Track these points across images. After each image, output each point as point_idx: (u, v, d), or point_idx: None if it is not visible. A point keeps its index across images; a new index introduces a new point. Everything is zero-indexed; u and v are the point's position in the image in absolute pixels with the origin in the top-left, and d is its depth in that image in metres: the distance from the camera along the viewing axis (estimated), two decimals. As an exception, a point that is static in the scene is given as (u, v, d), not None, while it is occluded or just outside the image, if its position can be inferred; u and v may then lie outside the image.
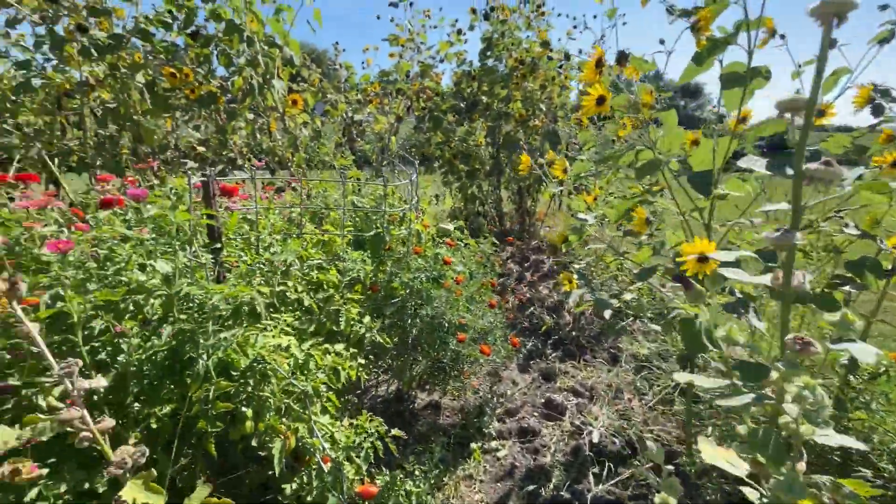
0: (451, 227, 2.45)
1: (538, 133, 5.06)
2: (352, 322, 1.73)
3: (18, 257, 1.34)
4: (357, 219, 2.59)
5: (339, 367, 1.61)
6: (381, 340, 1.81)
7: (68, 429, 0.61)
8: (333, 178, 3.48)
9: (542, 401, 2.45)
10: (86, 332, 1.19)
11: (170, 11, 3.64)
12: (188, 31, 3.54)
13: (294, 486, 1.42)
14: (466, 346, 2.02)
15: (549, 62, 5.09)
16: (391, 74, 5.50)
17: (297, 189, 2.96)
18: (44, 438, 0.70)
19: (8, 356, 1.14)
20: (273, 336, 1.39)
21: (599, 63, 1.47)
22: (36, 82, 3.62)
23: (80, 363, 0.87)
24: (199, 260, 1.40)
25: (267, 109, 4.43)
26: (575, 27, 5.63)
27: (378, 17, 5.58)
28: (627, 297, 2.03)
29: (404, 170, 2.99)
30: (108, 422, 0.66)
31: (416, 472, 1.61)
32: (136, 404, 1.30)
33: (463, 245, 2.39)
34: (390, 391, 2.51)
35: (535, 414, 2.36)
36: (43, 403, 1.09)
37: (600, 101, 1.48)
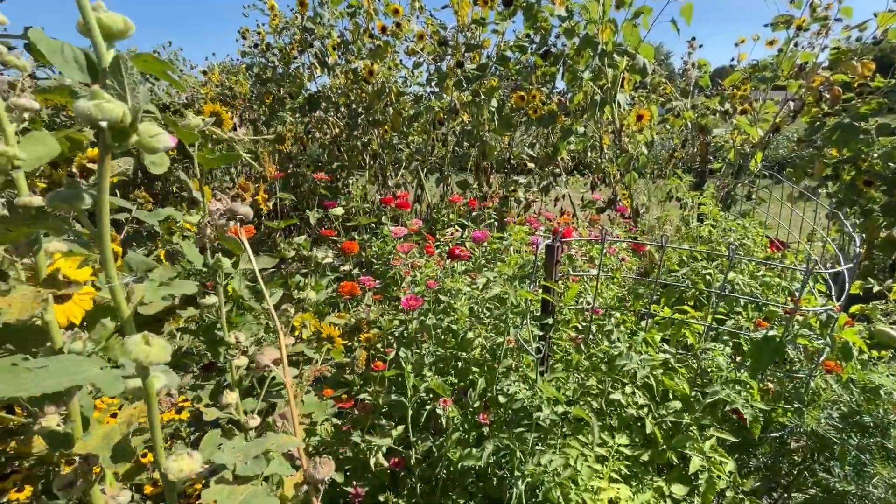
0: (900, 333, 1.43)
1: None
2: (704, 467, 1.16)
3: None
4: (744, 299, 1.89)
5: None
6: (751, 509, 1.16)
7: None
8: (649, 201, 2.84)
9: None
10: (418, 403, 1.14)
11: (527, 35, 3.76)
12: (540, 51, 3.57)
13: None
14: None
15: None
16: (767, 69, 4.16)
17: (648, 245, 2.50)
18: None
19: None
20: (603, 476, 1.01)
21: None
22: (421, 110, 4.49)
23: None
24: (524, 340, 1.16)
25: (604, 124, 4.12)
26: None
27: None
28: None
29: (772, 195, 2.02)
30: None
31: None
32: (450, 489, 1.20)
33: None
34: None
35: None
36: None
37: None
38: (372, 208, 4.44)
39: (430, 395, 1.24)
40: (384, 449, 1.19)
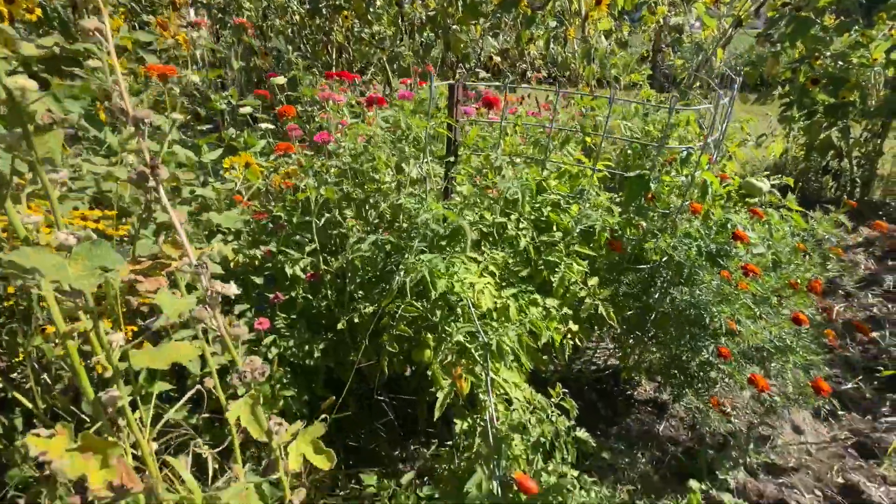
0: (765, 184, 1.63)
1: None
2: (570, 281, 1.40)
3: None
4: (629, 152, 2.05)
5: (541, 328, 1.34)
6: (605, 314, 1.42)
7: (201, 324, 0.58)
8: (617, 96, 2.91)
9: (840, 481, 1.58)
10: (323, 221, 1.31)
11: None
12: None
13: (464, 425, 1.33)
14: (730, 364, 1.39)
15: None
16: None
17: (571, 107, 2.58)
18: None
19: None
20: (473, 272, 1.23)
21: None
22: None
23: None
24: (424, 170, 1.32)
25: (571, 16, 3.98)
26: None
27: None
28: None
29: (717, 89, 2.12)
30: (241, 329, 0.62)
31: (597, 493, 1.27)
32: (358, 292, 1.42)
33: (778, 217, 1.57)
34: (607, 364, 2.12)
35: (818, 493, 1.55)
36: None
37: None
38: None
39: (337, 224, 1.42)
40: (301, 265, 1.39)
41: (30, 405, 1.13)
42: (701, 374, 1.55)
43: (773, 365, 1.39)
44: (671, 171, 1.49)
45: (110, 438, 0.59)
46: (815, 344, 1.46)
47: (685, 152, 1.38)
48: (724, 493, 1.52)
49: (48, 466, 0.53)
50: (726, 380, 1.46)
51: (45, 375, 1.23)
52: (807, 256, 1.54)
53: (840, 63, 3.50)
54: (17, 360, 1.25)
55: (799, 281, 1.44)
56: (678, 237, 1.48)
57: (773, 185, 1.91)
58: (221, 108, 1.72)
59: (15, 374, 1.32)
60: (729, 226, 1.46)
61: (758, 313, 1.39)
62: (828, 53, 3.55)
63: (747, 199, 1.67)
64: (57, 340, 1.17)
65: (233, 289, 0.60)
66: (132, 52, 1.57)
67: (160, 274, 0.85)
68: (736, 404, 1.89)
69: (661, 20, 4.00)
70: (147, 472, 0.84)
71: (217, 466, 1.22)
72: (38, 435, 0.55)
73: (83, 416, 1.26)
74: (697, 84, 3.77)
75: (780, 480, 1.58)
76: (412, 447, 1.68)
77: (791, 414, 1.86)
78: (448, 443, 1.61)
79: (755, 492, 1.54)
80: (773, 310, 1.42)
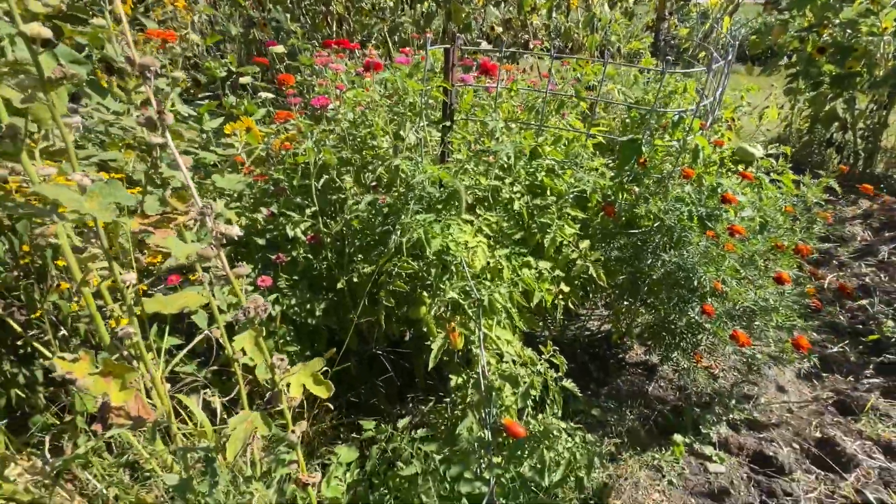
0: (758, 150, 1.65)
1: None
2: (561, 242, 1.44)
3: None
4: (628, 120, 2.06)
5: (533, 287, 1.40)
6: (595, 274, 1.47)
7: (204, 264, 0.64)
8: (617, 71, 2.87)
9: (817, 435, 1.65)
10: (322, 183, 1.35)
11: None
12: None
13: (458, 381, 1.40)
14: (714, 323, 1.45)
15: None
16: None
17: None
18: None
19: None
20: (467, 233, 1.27)
21: None
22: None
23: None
24: (420, 135, 1.35)
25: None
26: None
27: None
28: None
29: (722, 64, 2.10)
30: (244, 269, 0.67)
31: (581, 437, 1.34)
32: (358, 255, 1.48)
33: (768, 181, 1.60)
34: (601, 329, 2.19)
35: (795, 446, 1.62)
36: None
37: None
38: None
39: (337, 189, 1.46)
40: (302, 227, 1.44)
41: (47, 353, 1.21)
42: (687, 334, 1.61)
43: (756, 324, 1.44)
44: (664, 135, 1.51)
45: (148, 372, 0.65)
46: (799, 305, 1.51)
47: (677, 115, 1.40)
48: (706, 446, 1.60)
49: (73, 385, 0.59)
50: (712, 338, 1.52)
51: (62, 330, 1.30)
52: (796, 221, 1.57)
53: (849, 31, 3.43)
54: (34, 315, 1.33)
55: (786, 244, 1.48)
56: (669, 201, 1.51)
57: (769, 154, 1.92)
58: (221, 75, 1.74)
59: (34, 330, 1.39)
60: (720, 190, 1.49)
61: (743, 275, 1.43)
62: (836, 21, 3.48)
63: (741, 166, 1.69)
64: (73, 288, 1.23)
65: (236, 230, 0.65)
66: (131, 17, 1.59)
67: (168, 227, 0.91)
68: (722, 365, 1.96)
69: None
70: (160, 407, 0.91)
71: (225, 414, 1.30)
72: (62, 358, 0.61)
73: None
74: (703, 54, 3.72)
75: (761, 435, 1.66)
76: (409, 404, 1.76)
77: (776, 376, 1.93)
78: (445, 399, 1.69)
79: (736, 445, 1.61)
80: (758, 272, 1.47)
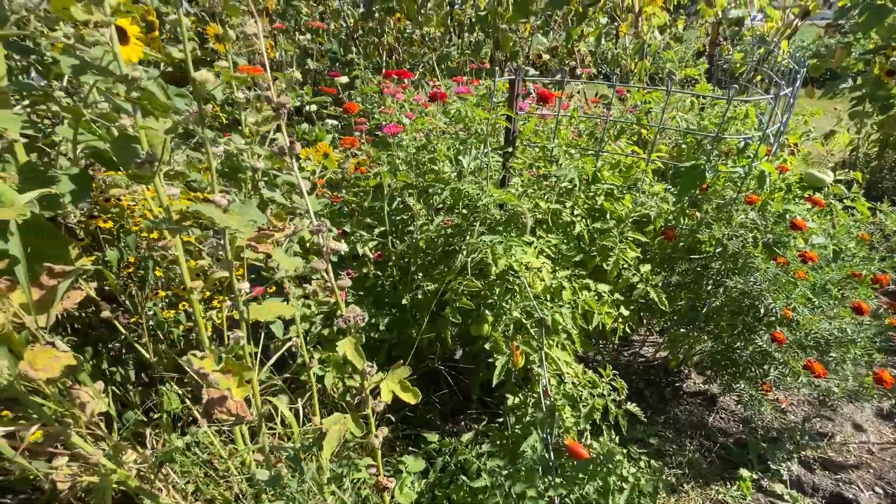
0: (828, 176, 1.61)
1: None
2: (622, 266, 1.45)
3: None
4: (683, 145, 2.06)
5: (593, 311, 1.41)
6: (657, 299, 1.47)
7: (315, 276, 0.71)
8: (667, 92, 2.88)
9: (905, 481, 1.53)
10: (392, 206, 1.44)
11: None
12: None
13: (515, 400, 1.42)
14: (784, 352, 1.40)
15: None
16: (816, -54, 3.79)
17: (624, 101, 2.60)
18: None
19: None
20: (529, 254, 1.32)
21: None
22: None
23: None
24: (484, 160, 1.41)
25: (623, 12, 3.95)
26: None
27: None
28: None
29: (778, 80, 2.07)
30: (346, 281, 0.74)
31: (646, 462, 1.32)
32: (419, 273, 1.55)
33: (841, 208, 1.55)
34: (657, 356, 2.14)
35: (879, 490, 1.51)
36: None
37: None
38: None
39: (405, 210, 1.55)
40: (370, 245, 1.53)
41: (147, 356, 1.33)
42: (753, 364, 1.55)
43: (831, 356, 1.38)
44: (727, 161, 1.51)
45: (245, 363, 0.73)
46: (880, 338, 1.44)
47: (743, 142, 1.39)
48: (776, 483, 1.52)
49: (204, 379, 0.68)
50: (781, 368, 1.46)
51: (159, 333, 1.43)
52: (873, 249, 1.51)
53: (921, 53, 3.27)
54: (132, 319, 1.47)
55: (863, 273, 1.42)
56: (733, 227, 1.49)
57: (839, 180, 1.86)
58: (296, 105, 1.90)
59: (129, 333, 1.54)
60: (787, 216, 1.46)
61: (816, 303, 1.39)
62: (907, 41, 3.33)
63: (810, 192, 1.64)
64: (183, 305, 1.36)
65: (344, 246, 0.73)
66: (224, 54, 1.78)
67: (267, 242, 1.01)
68: (791, 399, 1.86)
69: (720, 12, 3.88)
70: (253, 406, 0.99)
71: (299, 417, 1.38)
72: (194, 355, 0.70)
73: (185, 367, 1.46)
74: (759, 78, 3.64)
75: (838, 476, 1.56)
76: (462, 421, 1.79)
77: (853, 413, 1.81)
78: (499, 420, 1.70)
79: (810, 485, 1.52)
80: (833, 301, 1.41)
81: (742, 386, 1.63)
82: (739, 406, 1.85)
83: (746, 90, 3.49)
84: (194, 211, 0.62)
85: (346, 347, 0.73)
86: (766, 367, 1.56)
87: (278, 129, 0.68)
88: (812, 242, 1.42)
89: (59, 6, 0.85)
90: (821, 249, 1.48)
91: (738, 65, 3.59)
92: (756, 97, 1.63)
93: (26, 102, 1.07)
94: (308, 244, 1.57)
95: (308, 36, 4.78)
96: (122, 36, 0.86)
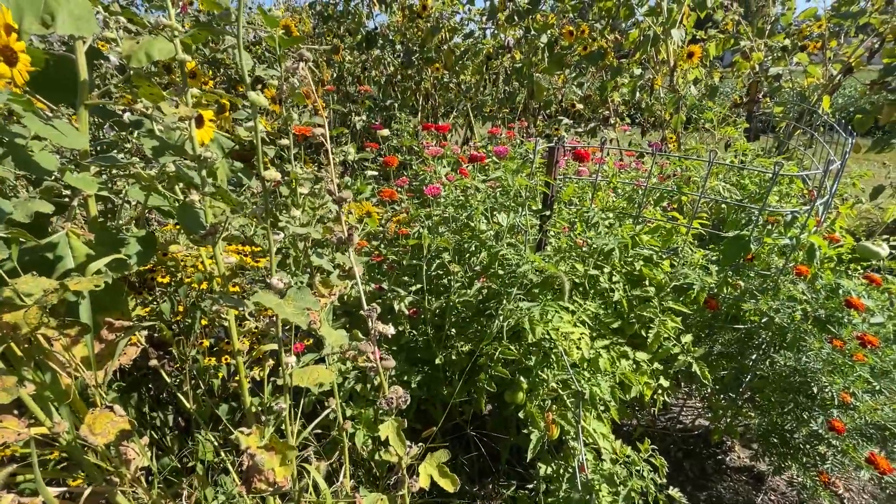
0: (883, 249, 1.54)
1: None
2: (663, 337, 1.41)
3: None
4: (724, 205, 2.03)
5: (632, 381, 1.37)
6: (699, 372, 1.41)
7: (362, 358, 0.73)
8: (709, 148, 2.86)
9: None
10: (434, 264, 1.47)
11: (586, -33, 3.70)
12: (597, -16, 3.52)
13: (548, 470, 1.37)
14: (844, 441, 1.31)
15: None
16: (856, 3, 3.78)
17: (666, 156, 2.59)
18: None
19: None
20: (567, 322, 1.30)
21: None
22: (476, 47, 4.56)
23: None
24: (524, 225, 1.43)
25: (657, 64, 4.01)
26: None
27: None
28: None
29: (824, 145, 2.03)
30: (391, 361, 0.76)
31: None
32: (452, 330, 1.55)
33: (899, 284, 1.47)
34: (696, 424, 2.03)
35: None
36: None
37: None
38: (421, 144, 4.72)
39: (441, 267, 1.57)
40: (406, 301, 1.55)
41: (187, 405, 1.37)
42: (807, 447, 1.45)
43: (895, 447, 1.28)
44: (773, 231, 1.47)
45: (289, 442, 0.74)
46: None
47: (790, 216, 1.36)
48: (836, 586, 1.38)
49: (250, 458, 0.69)
50: (838, 456, 1.36)
51: (199, 381, 1.48)
52: (936, 329, 1.41)
53: (976, 110, 3.15)
54: (176, 366, 1.52)
55: (927, 356, 1.33)
56: (781, 300, 1.44)
57: (893, 247, 1.78)
58: (340, 160, 1.99)
59: (173, 380, 1.59)
60: (840, 291, 1.39)
61: (878, 387, 1.30)
62: (960, 100, 3.22)
63: (862, 263, 1.57)
64: (225, 358, 1.41)
65: (391, 329, 0.74)
66: (278, 114, 1.90)
67: (315, 311, 1.04)
68: (850, 486, 1.72)
69: (757, 66, 3.88)
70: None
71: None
72: (242, 432, 0.71)
73: (220, 417, 1.49)
74: (799, 132, 3.58)
75: (908, 582, 1.40)
76: (490, 486, 1.73)
77: (921, 506, 1.65)
78: (528, 486, 1.64)
79: (876, 590, 1.38)
80: (895, 385, 1.32)
81: (794, 469, 1.52)
82: (791, 489, 1.71)
83: (785, 145, 3.42)
84: (254, 302, 0.65)
85: (388, 431, 0.73)
86: (821, 450, 1.45)
87: (338, 218, 0.72)
88: (870, 322, 1.35)
89: (147, 94, 0.94)
90: (879, 327, 1.39)
91: (777, 118, 3.54)
92: (802, 172, 1.60)
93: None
94: (346, 297, 1.61)
95: (351, 89, 5.06)
96: (199, 120, 0.95)
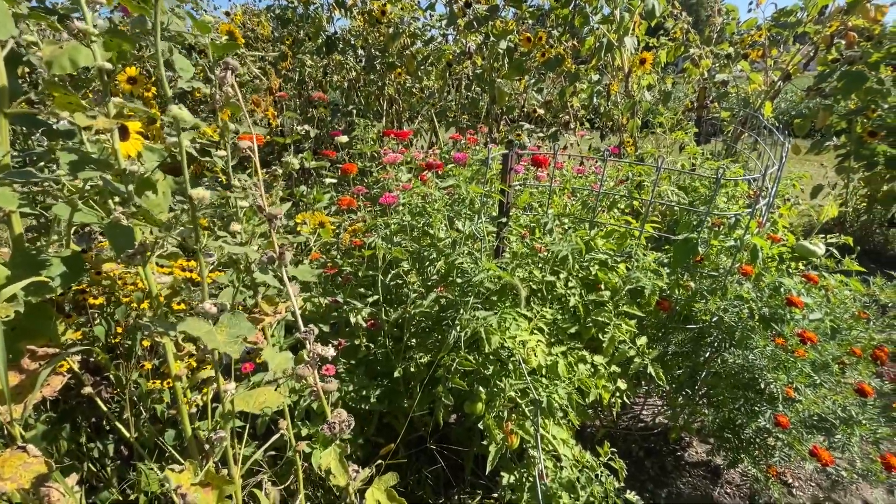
0: (819, 248, 1.62)
1: None
2: (619, 341, 1.43)
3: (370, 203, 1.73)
4: (676, 208, 2.09)
5: (590, 386, 1.38)
6: (654, 374, 1.44)
7: (301, 382, 0.69)
8: (660, 152, 2.97)
9: (923, 571, 1.45)
10: (390, 274, 1.44)
11: (544, -25, 3.77)
12: (553, -8, 3.60)
13: (511, 479, 1.36)
14: (789, 434, 1.36)
15: None
16: (793, 14, 4.02)
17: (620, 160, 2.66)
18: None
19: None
20: (525, 329, 1.30)
21: None
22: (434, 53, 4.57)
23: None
24: (480, 233, 1.42)
25: (614, 70, 4.14)
26: None
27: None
28: None
29: (766, 148, 2.15)
30: (332, 384, 0.72)
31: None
32: (411, 341, 1.52)
33: (835, 281, 1.55)
34: (656, 422, 2.07)
35: (898, 583, 1.42)
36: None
37: None
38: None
39: (399, 277, 1.54)
40: (364, 314, 1.51)
41: (126, 434, 1.28)
42: (758, 440, 1.50)
43: (837, 437, 1.34)
44: (720, 233, 1.52)
45: (224, 474, 0.70)
46: (885, 417, 1.40)
47: (733, 219, 1.42)
48: (787, 574, 1.44)
49: (182, 498, 0.64)
50: (785, 449, 1.42)
51: (142, 407, 1.39)
52: (869, 323, 1.50)
53: (899, 115, 3.40)
54: (115, 391, 1.42)
55: (862, 349, 1.40)
56: (729, 299, 1.49)
57: (829, 245, 1.88)
58: (297, 168, 1.93)
59: (114, 405, 1.48)
60: (782, 290, 1.46)
61: (818, 381, 1.36)
62: (885, 105, 3.47)
63: (802, 261, 1.65)
64: (168, 382, 1.33)
65: (330, 351, 0.71)
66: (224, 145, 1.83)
67: (258, 329, 0.99)
68: (798, 475, 1.79)
69: (706, 73, 4.06)
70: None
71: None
72: (172, 470, 0.66)
73: (164, 446, 1.40)
74: (744, 135, 3.76)
75: (852, 564, 1.48)
76: (456, 496, 1.70)
77: (861, 490, 1.74)
78: (493, 495, 1.63)
79: (823, 575, 1.44)
80: (834, 378, 1.39)
81: (746, 463, 1.57)
82: (745, 481, 1.77)
83: (732, 149, 3.59)
84: (181, 331, 0.61)
85: (329, 459, 0.70)
86: (770, 442, 1.51)
87: (267, 234, 0.68)
88: (809, 318, 1.42)
89: (63, 103, 0.87)
90: (818, 323, 1.46)
91: (724, 122, 3.71)
92: (745, 176, 1.66)
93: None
94: (305, 310, 1.55)
95: (314, 94, 4.95)
96: (123, 131, 0.89)
